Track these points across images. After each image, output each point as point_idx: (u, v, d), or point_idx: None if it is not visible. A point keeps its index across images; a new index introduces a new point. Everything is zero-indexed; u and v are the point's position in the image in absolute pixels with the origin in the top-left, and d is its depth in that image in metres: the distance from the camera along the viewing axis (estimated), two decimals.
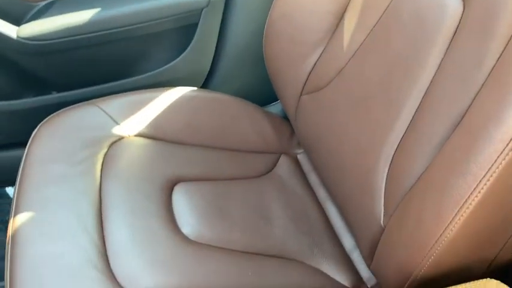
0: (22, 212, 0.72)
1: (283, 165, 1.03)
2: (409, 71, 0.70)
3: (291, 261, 0.83)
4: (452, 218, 0.53)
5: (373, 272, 0.75)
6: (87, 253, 0.69)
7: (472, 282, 0.56)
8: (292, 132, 1.10)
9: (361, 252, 0.80)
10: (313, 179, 1.03)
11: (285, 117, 1.12)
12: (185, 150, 0.95)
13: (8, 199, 1.18)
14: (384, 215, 0.72)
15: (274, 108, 1.18)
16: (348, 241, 0.90)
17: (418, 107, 0.69)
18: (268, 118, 1.10)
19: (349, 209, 0.83)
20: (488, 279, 0.56)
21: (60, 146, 0.85)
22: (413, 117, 0.70)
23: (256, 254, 0.82)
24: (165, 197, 0.84)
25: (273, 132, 1.08)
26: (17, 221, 0.71)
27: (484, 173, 0.50)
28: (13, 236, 0.69)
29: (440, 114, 0.63)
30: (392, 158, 0.73)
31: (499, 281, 0.56)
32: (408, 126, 0.71)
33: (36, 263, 0.67)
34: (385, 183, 0.73)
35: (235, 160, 1.00)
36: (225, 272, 0.75)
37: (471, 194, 0.51)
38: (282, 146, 1.08)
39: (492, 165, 0.50)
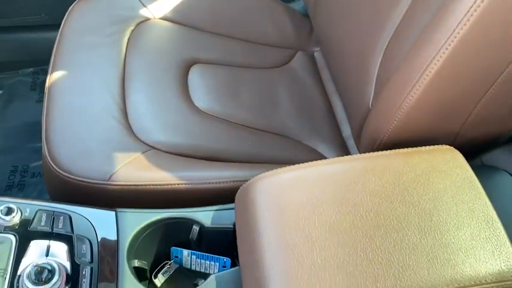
0: (57, 70, 0.85)
1: (299, 61, 1.09)
2: None
3: (290, 139, 0.93)
4: (414, 85, 0.59)
5: (359, 150, 0.83)
6: (109, 107, 0.82)
7: (427, 147, 0.63)
8: (311, 29, 1.14)
9: (353, 134, 0.88)
10: (325, 75, 1.09)
11: (306, 15, 1.16)
12: (205, 36, 1.03)
13: None
14: (372, 98, 0.78)
15: (297, 5, 1.21)
16: (346, 129, 0.97)
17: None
18: (288, 13, 1.15)
19: (348, 96, 0.90)
20: (443, 145, 0.63)
21: (92, 21, 0.96)
22: (408, 7, 0.74)
23: (258, 129, 0.91)
24: (181, 74, 0.94)
25: (292, 28, 1.13)
26: (53, 77, 0.84)
27: (443, 42, 0.55)
28: (49, 89, 0.83)
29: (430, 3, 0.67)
30: (387, 45, 0.77)
31: (452, 147, 0.62)
32: (404, 15, 0.75)
33: (66, 110, 0.80)
34: (378, 70, 0.79)
35: (251, 50, 1.07)
36: (226, 139, 0.86)
37: (431, 61, 0.57)
38: (300, 42, 1.13)
39: (451, 34, 0.54)
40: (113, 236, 0.61)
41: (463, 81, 0.59)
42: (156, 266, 0.70)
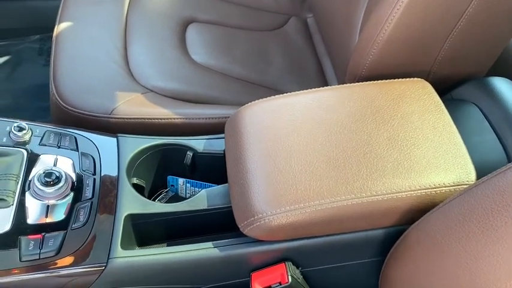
0: (65, 21, 0.92)
1: (292, 25, 1.15)
2: None
3: (279, 92, 0.99)
4: (385, 20, 0.65)
5: None
6: (112, 54, 0.89)
7: (400, 79, 0.69)
8: None
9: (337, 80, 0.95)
10: (317, 39, 1.15)
11: None
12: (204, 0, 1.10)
13: None
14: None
15: None
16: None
17: None
18: None
19: (337, 51, 0.96)
20: (416, 78, 0.69)
21: None
22: None
23: (250, 82, 0.98)
24: (180, 30, 1.00)
25: None
26: (61, 27, 0.91)
27: None
28: (57, 36, 0.90)
29: None
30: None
31: (423, 80, 0.69)
32: None
33: (72, 54, 0.87)
34: (361, 21, 0.85)
35: (247, 14, 1.13)
36: (219, 87, 0.92)
37: None
38: (294, 8, 1.19)
39: None
40: (114, 156, 0.67)
41: (429, 18, 0.65)
42: (154, 194, 0.77)
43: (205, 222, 0.65)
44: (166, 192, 0.77)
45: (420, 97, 0.65)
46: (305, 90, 0.69)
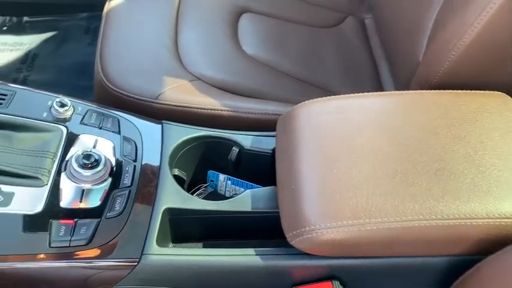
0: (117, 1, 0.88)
1: (349, 25, 1.09)
2: None
3: (331, 93, 0.93)
4: (471, 23, 0.58)
5: None
6: (163, 38, 0.85)
7: (479, 92, 0.62)
8: None
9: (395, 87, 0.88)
10: (374, 41, 1.08)
11: None
12: None
13: None
14: (423, 52, 0.78)
15: None
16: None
17: None
18: None
19: (397, 56, 0.89)
20: (496, 92, 0.62)
21: None
22: None
23: (301, 80, 0.92)
24: (232, 19, 0.95)
25: None
26: (112, 4, 0.88)
27: None
28: (107, 14, 0.86)
29: None
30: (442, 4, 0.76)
31: (504, 94, 0.61)
32: None
33: (122, 34, 0.84)
34: (432, 26, 0.78)
35: (302, 8, 1.07)
36: (269, 82, 0.86)
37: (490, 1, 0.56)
38: (352, 7, 1.13)
39: None
40: (157, 144, 0.63)
41: None
42: (192, 188, 0.72)
43: (247, 225, 0.60)
44: (205, 187, 0.73)
45: (502, 113, 0.58)
46: (368, 93, 0.63)
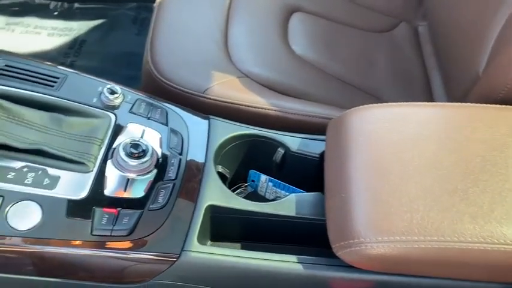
0: None
1: (401, 31, 1.05)
2: None
3: (380, 100, 0.89)
4: None
5: None
6: (213, 32, 0.84)
7: None
8: (420, 3, 1.10)
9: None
10: (427, 50, 1.04)
11: None
12: None
13: None
14: (484, 66, 0.73)
15: None
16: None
17: None
18: None
19: (453, 67, 0.85)
20: None
21: None
22: None
23: (350, 84, 0.89)
24: (283, 17, 0.93)
25: None
26: None
27: None
28: (159, 4, 0.86)
29: None
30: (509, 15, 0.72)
31: None
32: None
33: (173, 25, 0.83)
34: (495, 38, 0.74)
35: (355, 11, 1.04)
36: (316, 84, 0.84)
37: None
38: (406, 13, 1.09)
39: None
40: (203, 138, 0.61)
41: None
42: (232, 186, 0.71)
43: (288, 230, 0.58)
44: (245, 187, 0.71)
45: None
46: (427, 103, 0.60)
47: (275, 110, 0.73)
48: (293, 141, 0.64)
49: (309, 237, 0.58)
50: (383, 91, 0.91)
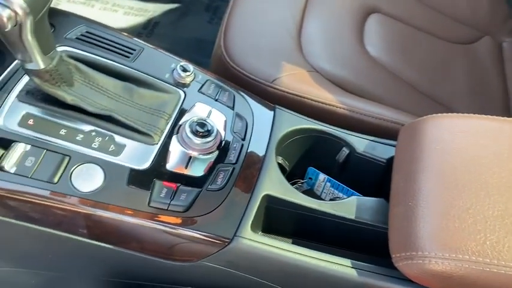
0: None
1: (484, 45, 0.99)
2: None
3: (452, 111, 0.84)
4: None
5: None
6: (287, 23, 0.82)
7: None
8: (508, 18, 1.03)
9: None
10: (509, 67, 0.97)
11: (507, 1, 1.05)
12: None
13: None
14: None
15: None
16: None
17: None
18: None
19: None
20: None
21: None
22: None
23: (422, 92, 0.85)
24: (360, 17, 0.90)
25: (487, 11, 1.03)
26: None
27: None
28: None
29: None
30: None
31: None
32: None
33: (248, 13, 0.83)
34: None
35: (436, 19, 0.99)
36: (387, 87, 0.80)
37: None
38: (491, 27, 1.02)
39: None
40: (267, 127, 0.60)
41: None
42: (288, 180, 0.69)
43: (345, 233, 0.55)
44: (301, 183, 0.69)
45: None
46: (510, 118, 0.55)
47: (342, 108, 0.70)
48: (360, 142, 0.62)
49: (365, 243, 0.55)
50: (456, 103, 0.86)
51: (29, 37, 0.45)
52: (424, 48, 0.93)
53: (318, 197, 0.68)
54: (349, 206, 0.55)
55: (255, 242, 0.50)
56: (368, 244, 0.55)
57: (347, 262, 0.50)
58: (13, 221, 0.52)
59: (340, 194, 0.66)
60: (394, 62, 0.86)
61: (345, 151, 0.62)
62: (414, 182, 0.49)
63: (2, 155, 0.50)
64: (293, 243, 0.59)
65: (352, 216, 0.54)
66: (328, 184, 0.67)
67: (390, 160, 0.59)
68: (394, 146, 0.60)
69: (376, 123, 0.70)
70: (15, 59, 0.55)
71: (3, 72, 0.55)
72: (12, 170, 0.49)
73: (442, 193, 0.47)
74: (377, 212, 0.54)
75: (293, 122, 0.62)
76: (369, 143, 0.62)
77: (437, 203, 0.47)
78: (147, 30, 1.33)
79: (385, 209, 0.53)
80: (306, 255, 0.51)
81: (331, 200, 0.66)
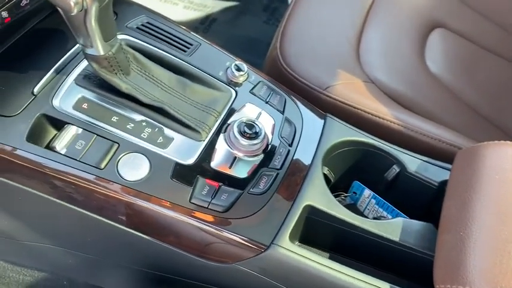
0: None
1: None
2: None
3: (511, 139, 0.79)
4: None
5: None
6: (347, 30, 0.80)
7: None
8: None
9: None
10: None
11: None
12: (460, 5, 0.93)
13: None
14: None
15: None
16: None
17: None
18: None
19: None
20: None
21: None
22: None
23: (483, 116, 0.80)
24: (423, 31, 0.87)
25: None
26: None
27: None
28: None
29: None
30: None
31: None
32: None
33: (308, 17, 0.81)
34: None
35: (504, 38, 0.94)
36: (445, 107, 0.77)
37: None
38: None
39: None
40: (316, 135, 0.59)
41: None
42: (331, 192, 0.67)
43: (386, 255, 0.53)
44: (345, 197, 0.67)
45: None
46: None
47: (396, 124, 0.67)
48: (412, 162, 0.59)
49: (406, 268, 0.52)
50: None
51: (92, 23, 0.46)
52: (487, 69, 0.88)
53: (361, 213, 0.65)
54: (394, 227, 0.52)
55: (292, 252, 0.49)
56: (409, 269, 0.52)
57: (386, 286, 0.47)
58: (57, 200, 0.53)
59: (385, 213, 0.64)
60: (455, 81, 0.82)
61: (395, 169, 0.59)
62: (468, 211, 0.46)
63: (54, 136, 0.52)
64: (329, 257, 0.57)
65: (397, 239, 0.51)
66: (373, 201, 0.65)
67: (443, 184, 0.56)
68: (448, 169, 0.57)
69: (430, 143, 0.67)
70: (76, 43, 0.56)
71: (64, 55, 0.57)
72: (63, 151, 0.51)
73: (497, 226, 0.44)
74: (423, 237, 0.51)
75: (343, 132, 0.60)
76: (421, 163, 0.58)
77: (492, 236, 0.43)
78: (205, 26, 1.34)
79: (433, 235, 0.50)
80: (344, 273, 0.49)
81: (374, 218, 0.63)
